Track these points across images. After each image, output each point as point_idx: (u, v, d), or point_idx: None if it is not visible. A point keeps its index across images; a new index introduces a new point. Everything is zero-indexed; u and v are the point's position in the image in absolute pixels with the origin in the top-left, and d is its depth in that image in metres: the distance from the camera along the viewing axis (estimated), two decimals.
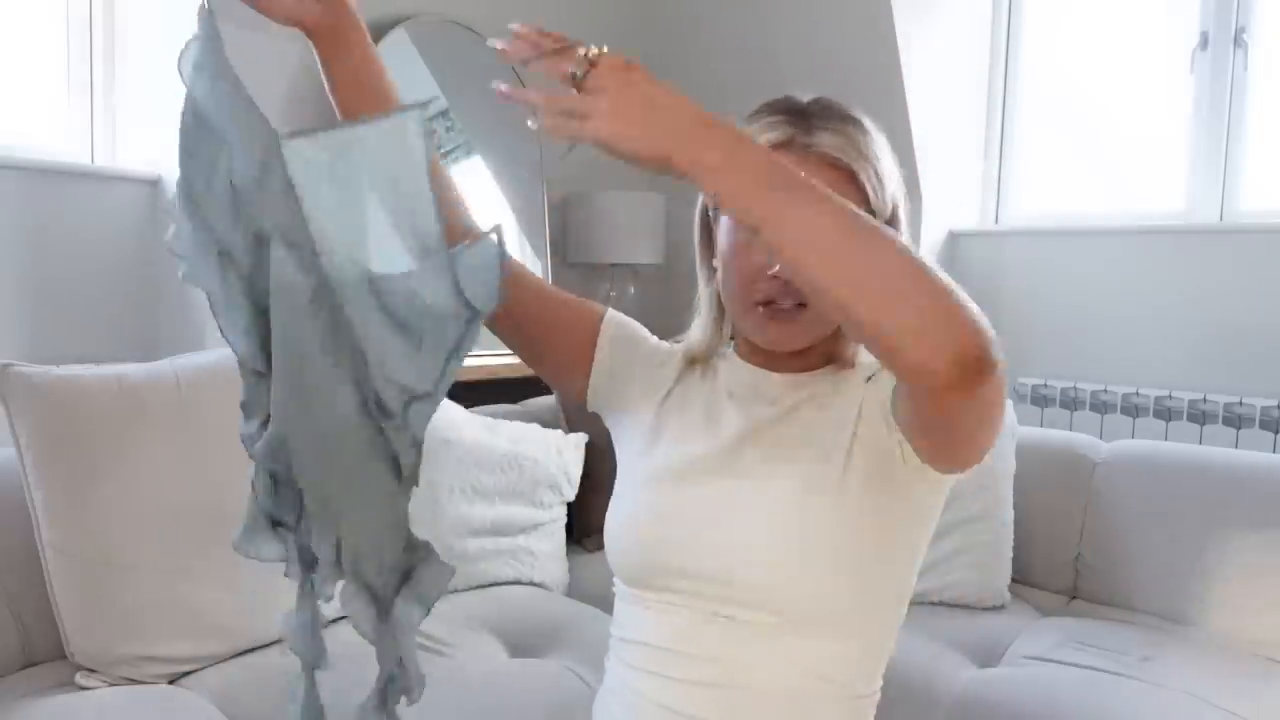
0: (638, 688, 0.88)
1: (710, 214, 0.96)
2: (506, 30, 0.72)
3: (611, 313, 1.01)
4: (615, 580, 0.95)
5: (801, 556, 0.83)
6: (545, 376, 1.04)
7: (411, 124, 0.61)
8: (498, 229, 0.60)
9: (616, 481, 0.97)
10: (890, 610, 0.90)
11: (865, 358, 0.94)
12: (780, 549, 0.84)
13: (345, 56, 0.88)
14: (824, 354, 0.94)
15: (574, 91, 0.68)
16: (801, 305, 0.87)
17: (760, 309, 0.88)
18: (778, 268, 0.84)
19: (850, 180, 0.86)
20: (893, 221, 0.91)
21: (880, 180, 0.88)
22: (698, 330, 1.00)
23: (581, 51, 0.68)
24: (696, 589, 0.86)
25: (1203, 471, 1.92)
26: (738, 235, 0.89)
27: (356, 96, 0.90)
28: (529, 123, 0.69)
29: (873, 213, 0.88)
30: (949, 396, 0.67)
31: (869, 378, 0.91)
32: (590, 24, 2.66)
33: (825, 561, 0.83)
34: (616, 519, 0.94)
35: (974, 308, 0.65)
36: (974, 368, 0.64)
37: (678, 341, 1.02)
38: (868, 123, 0.89)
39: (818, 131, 0.86)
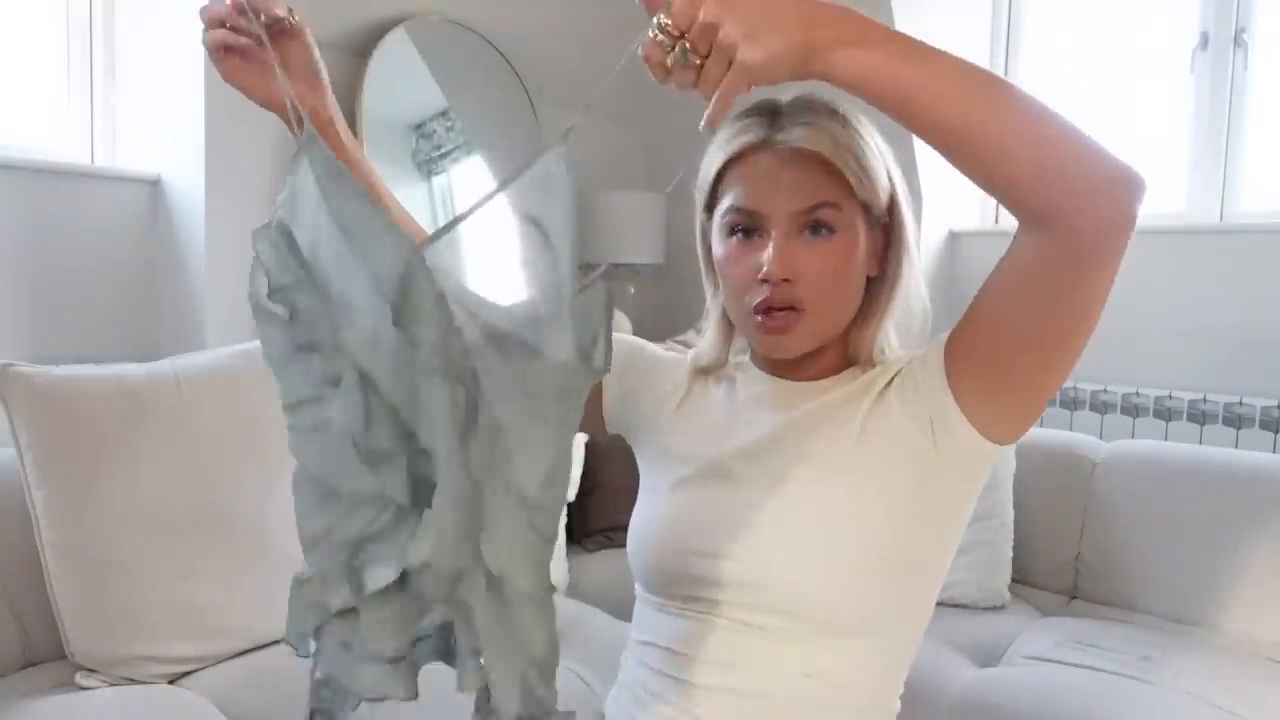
0: (656, 690, 0.88)
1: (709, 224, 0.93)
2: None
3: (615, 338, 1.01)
4: (637, 584, 0.94)
5: (826, 560, 0.82)
6: None
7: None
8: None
9: (639, 492, 0.97)
10: (916, 614, 0.88)
11: (890, 354, 0.91)
12: (804, 553, 0.83)
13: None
14: (842, 357, 0.92)
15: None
16: (794, 309, 0.84)
17: (757, 317, 0.86)
18: (765, 270, 0.83)
19: (827, 170, 0.83)
20: (891, 214, 0.89)
21: (864, 169, 0.84)
22: (706, 342, 0.98)
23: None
24: (720, 596, 0.85)
25: (1203, 471, 1.92)
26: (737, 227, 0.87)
27: None
28: (701, 126, 0.67)
29: (866, 205, 0.86)
30: (1117, 224, 0.71)
31: (897, 372, 0.88)
32: (590, 25, 2.66)
33: (851, 564, 0.82)
34: (638, 529, 0.93)
35: (1091, 139, 0.70)
36: (1133, 181, 0.69)
37: (680, 341, 1.02)
38: (854, 116, 0.86)
39: (790, 127, 0.84)
